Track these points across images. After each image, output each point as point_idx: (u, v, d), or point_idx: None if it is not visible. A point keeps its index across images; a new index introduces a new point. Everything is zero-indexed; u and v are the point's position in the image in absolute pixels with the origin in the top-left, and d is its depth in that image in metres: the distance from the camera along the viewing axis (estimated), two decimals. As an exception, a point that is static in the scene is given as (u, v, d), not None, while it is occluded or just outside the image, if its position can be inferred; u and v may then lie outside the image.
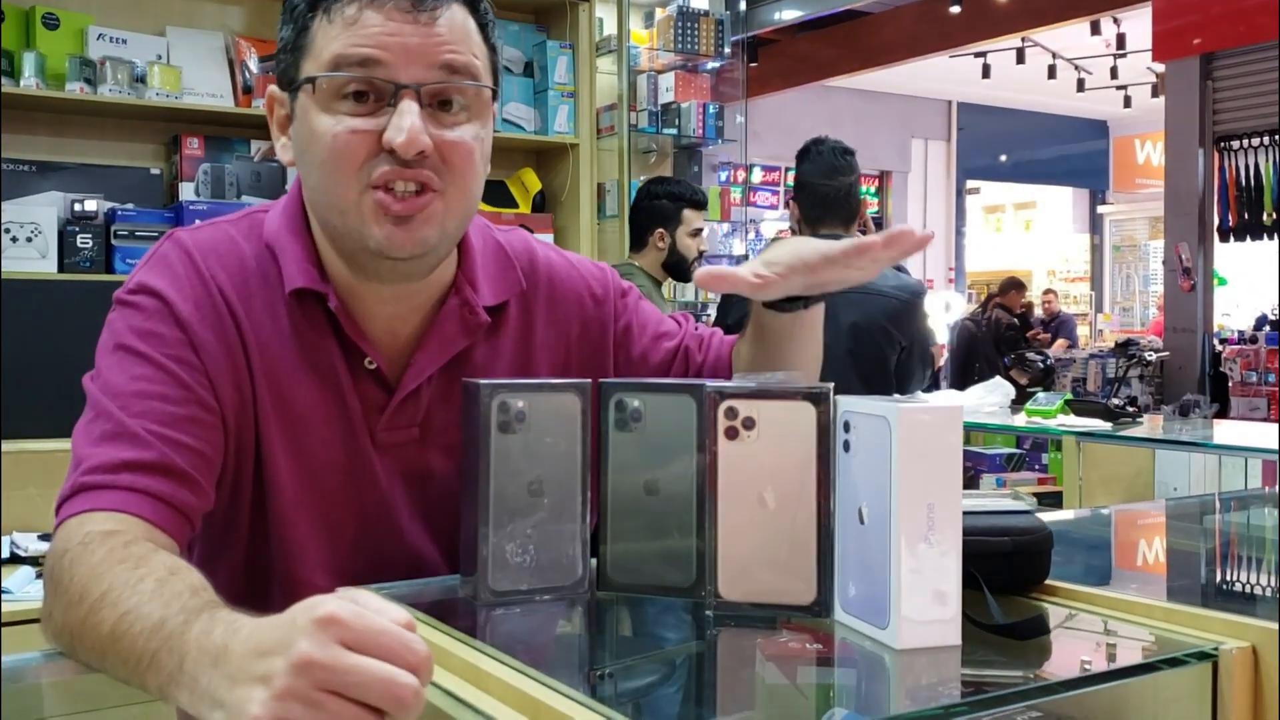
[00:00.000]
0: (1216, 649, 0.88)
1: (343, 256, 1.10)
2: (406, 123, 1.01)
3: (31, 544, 2.36)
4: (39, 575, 2.27)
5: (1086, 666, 0.91)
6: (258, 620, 0.71)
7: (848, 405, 0.93)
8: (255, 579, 1.12)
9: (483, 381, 1.02)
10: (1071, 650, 0.93)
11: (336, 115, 1.04)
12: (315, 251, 1.12)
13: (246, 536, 1.12)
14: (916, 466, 0.87)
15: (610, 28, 4.58)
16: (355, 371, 1.12)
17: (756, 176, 11.63)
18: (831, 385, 0.97)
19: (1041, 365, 8.15)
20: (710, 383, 0.98)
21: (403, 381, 1.13)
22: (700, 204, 3.87)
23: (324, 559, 1.11)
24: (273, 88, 1.12)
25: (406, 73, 1.03)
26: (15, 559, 2.34)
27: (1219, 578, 1.34)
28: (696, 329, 1.31)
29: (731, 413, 0.97)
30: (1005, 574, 1.02)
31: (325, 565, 1.11)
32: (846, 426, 0.93)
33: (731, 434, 0.97)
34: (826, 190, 2.87)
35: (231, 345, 1.08)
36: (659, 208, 3.84)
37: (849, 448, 0.93)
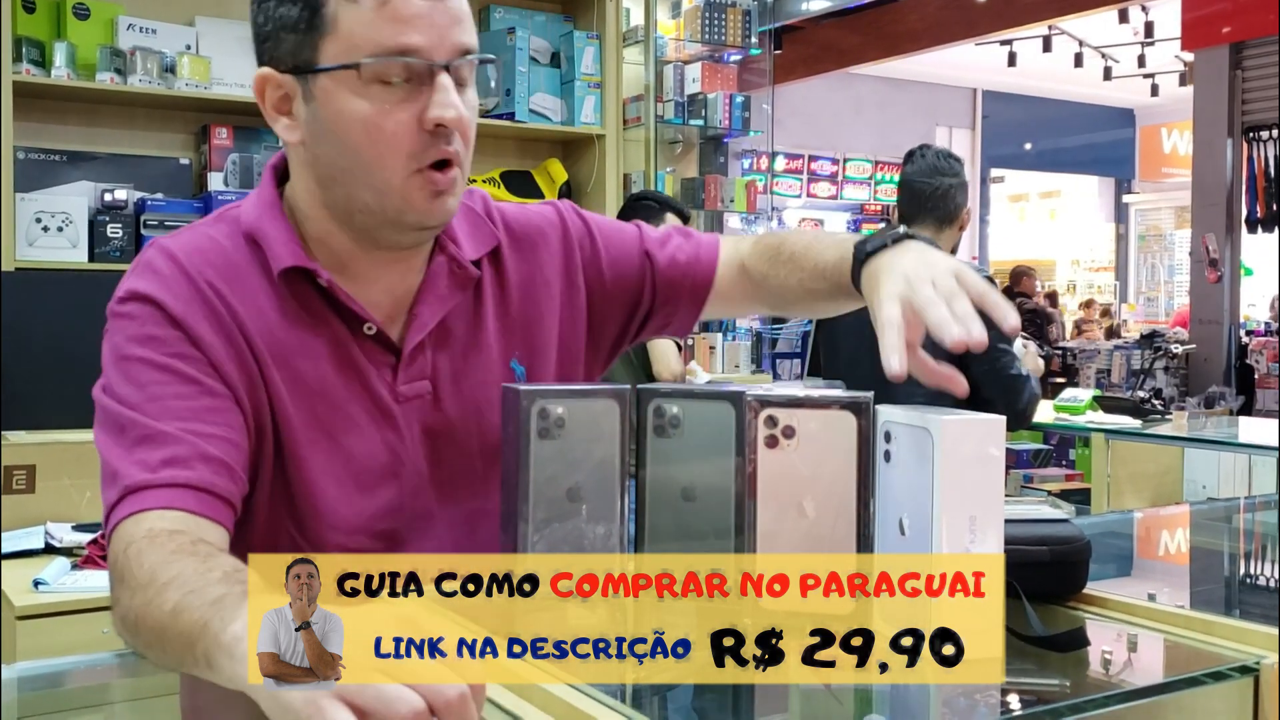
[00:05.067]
0: (1258, 663, 0.88)
1: (350, 231, 1.13)
2: (452, 99, 1.06)
3: (67, 535, 2.37)
4: (74, 566, 2.29)
5: (1126, 680, 0.91)
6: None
7: (889, 415, 0.94)
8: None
9: (522, 388, 1.03)
10: (1110, 662, 0.93)
11: (374, 99, 1.06)
12: (298, 233, 1.15)
13: (266, 518, 1.13)
14: (958, 478, 0.87)
15: (637, 18, 4.57)
16: (359, 339, 1.15)
17: (780, 165, 11.58)
18: (871, 395, 0.97)
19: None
20: (750, 391, 0.99)
21: (406, 338, 1.16)
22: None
23: (354, 523, 1.14)
24: (268, 70, 1.11)
25: (440, 52, 1.06)
26: (50, 549, 2.36)
27: (1256, 586, 1.34)
28: (668, 237, 1.32)
29: (771, 421, 0.97)
30: (1043, 583, 1.03)
31: (355, 528, 1.14)
32: (888, 437, 0.93)
33: (771, 443, 0.97)
34: (924, 188, 3.02)
35: (230, 334, 1.10)
36: None
37: (890, 458, 0.93)
